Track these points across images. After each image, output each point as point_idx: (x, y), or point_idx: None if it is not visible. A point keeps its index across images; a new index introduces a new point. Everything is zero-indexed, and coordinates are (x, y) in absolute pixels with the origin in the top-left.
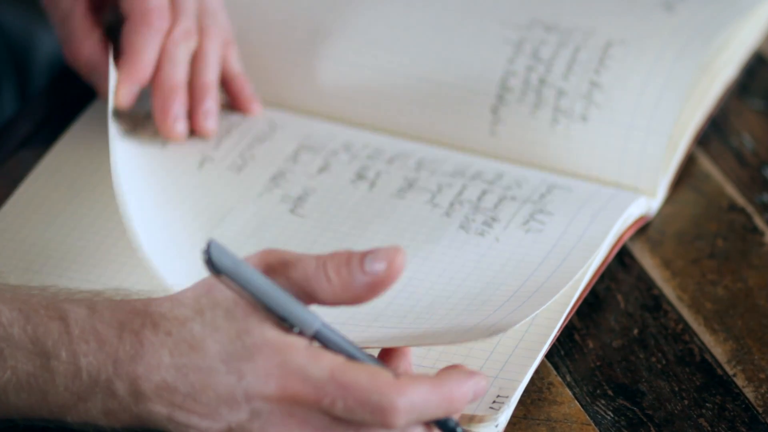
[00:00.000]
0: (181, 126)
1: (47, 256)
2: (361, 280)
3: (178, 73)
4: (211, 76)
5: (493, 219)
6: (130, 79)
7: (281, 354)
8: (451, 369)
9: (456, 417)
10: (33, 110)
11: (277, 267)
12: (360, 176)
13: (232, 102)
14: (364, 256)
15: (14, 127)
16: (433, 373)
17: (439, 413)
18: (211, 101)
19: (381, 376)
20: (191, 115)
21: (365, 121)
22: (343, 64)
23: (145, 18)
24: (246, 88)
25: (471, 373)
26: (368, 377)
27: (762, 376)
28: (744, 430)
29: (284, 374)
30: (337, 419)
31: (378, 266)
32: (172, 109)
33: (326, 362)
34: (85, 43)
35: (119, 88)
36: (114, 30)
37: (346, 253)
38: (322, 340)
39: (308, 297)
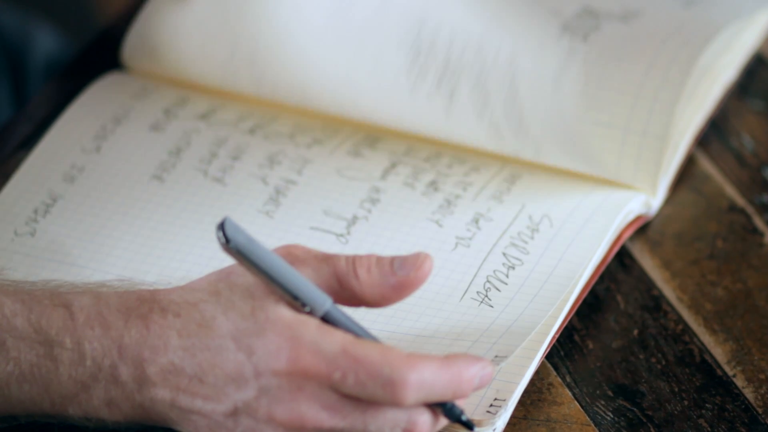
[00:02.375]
0: None
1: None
2: (390, 281)
3: None
4: None
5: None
6: None
7: (293, 329)
8: (458, 353)
9: (461, 404)
10: (32, 111)
11: (305, 258)
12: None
13: None
14: (393, 259)
15: (13, 128)
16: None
17: (447, 394)
18: None
19: (392, 351)
20: None
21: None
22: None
23: None
24: None
25: (478, 358)
26: (380, 352)
27: (762, 376)
28: (744, 430)
29: (295, 347)
30: (346, 397)
31: (407, 269)
32: None
33: (338, 337)
34: None
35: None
36: None
37: (375, 255)
38: (332, 320)
39: (334, 293)
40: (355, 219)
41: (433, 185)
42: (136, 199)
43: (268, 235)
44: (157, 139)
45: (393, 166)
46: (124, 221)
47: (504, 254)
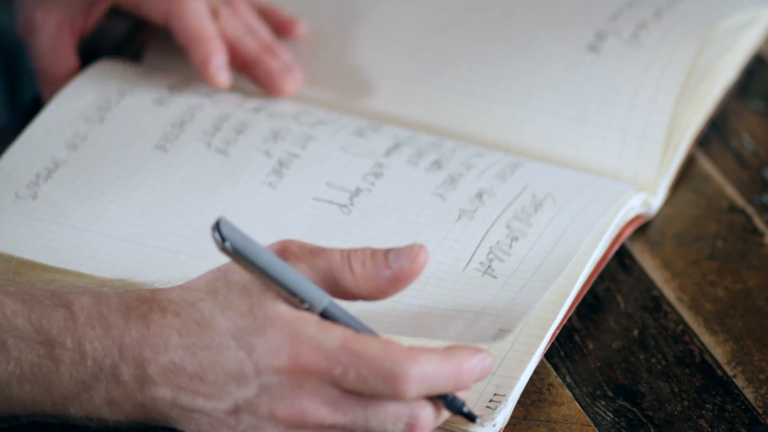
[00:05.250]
0: (224, 76)
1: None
2: (385, 274)
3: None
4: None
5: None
6: (218, 54)
7: (292, 326)
8: (458, 345)
9: (461, 396)
10: (30, 114)
11: (300, 254)
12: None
13: (275, 30)
14: (388, 251)
15: (10, 132)
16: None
17: (448, 386)
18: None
19: (393, 345)
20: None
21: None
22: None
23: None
24: (280, 12)
25: (478, 350)
26: (380, 346)
27: (762, 377)
28: (744, 431)
29: (296, 344)
30: (347, 392)
31: (402, 261)
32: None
33: (338, 333)
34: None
35: (213, 69)
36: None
37: (370, 248)
38: (330, 316)
39: (330, 288)
40: (358, 191)
41: (437, 164)
42: (139, 167)
43: (271, 205)
44: (162, 112)
45: (397, 146)
46: (127, 188)
47: (507, 226)
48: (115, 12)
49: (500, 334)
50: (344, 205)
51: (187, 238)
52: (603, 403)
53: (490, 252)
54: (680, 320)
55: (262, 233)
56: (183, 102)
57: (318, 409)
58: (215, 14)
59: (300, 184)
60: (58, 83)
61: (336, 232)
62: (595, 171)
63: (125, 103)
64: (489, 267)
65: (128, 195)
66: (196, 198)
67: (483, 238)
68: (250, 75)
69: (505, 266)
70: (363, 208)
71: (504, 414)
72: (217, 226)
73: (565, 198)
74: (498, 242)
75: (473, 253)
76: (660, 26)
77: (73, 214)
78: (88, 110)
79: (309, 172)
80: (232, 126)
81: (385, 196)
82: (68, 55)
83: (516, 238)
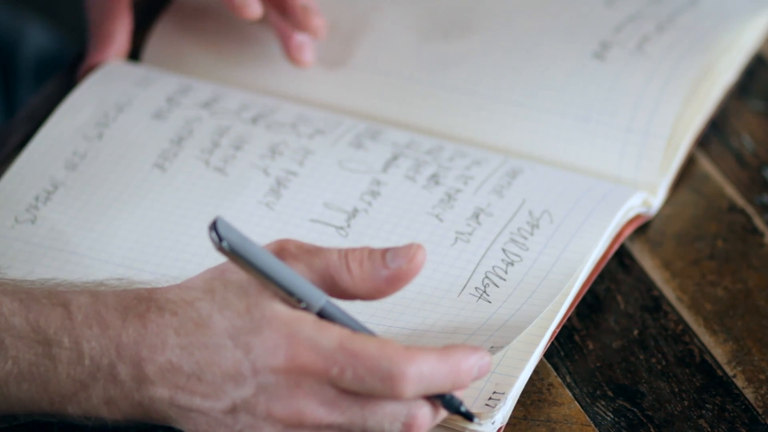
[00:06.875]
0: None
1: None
2: (383, 274)
3: None
4: None
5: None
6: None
7: (289, 326)
8: (456, 344)
9: (459, 396)
10: (32, 110)
11: (297, 254)
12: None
13: (294, 24)
14: (385, 251)
15: (12, 130)
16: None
17: (446, 385)
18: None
19: (390, 345)
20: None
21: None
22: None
23: None
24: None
25: (476, 348)
26: (377, 345)
27: (762, 377)
28: (744, 431)
29: (293, 344)
30: (345, 392)
31: (400, 261)
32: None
33: (335, 332)
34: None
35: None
36: None
37: (367, 248)
38: (327, 315)
39: (328, 287)
40: (355, 212)
41: (434, 178)
42: (137, 188)
43: (268, 227)
44: (159, 127)
45: (395, 158)
46: (125, 210)
47: (503, 250)
48: None
49: (492, 350)
50: (341, 228)
51: (185, 263)
52: (603, 403)
53: (485, 277)
54: (680, 320)
55: None
56: (181, 115)
57: (315, 408)
58: None
59: (297, 205)
60: (106, 39)
61: None
62: (596, 170)
63: (123, 118)
64: (484, 292)
65: (126, 218)
66: (193, 220)
67: (479, 264)
68: (279, 7)
69: (501, 291)
70: (360, 231)
71: (503, 412)
72: (214, 226)
73: (563, 214)
74: (493, 267)
75: (469, 278)
76: (664, 40)
77: (71, 239)
78: (86, 126)
79: (306, 191)
80: (230, 141)
81: (382, 217)
82: (122, 11)
83: (512, 263)
